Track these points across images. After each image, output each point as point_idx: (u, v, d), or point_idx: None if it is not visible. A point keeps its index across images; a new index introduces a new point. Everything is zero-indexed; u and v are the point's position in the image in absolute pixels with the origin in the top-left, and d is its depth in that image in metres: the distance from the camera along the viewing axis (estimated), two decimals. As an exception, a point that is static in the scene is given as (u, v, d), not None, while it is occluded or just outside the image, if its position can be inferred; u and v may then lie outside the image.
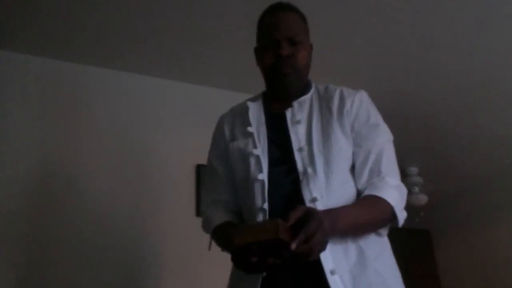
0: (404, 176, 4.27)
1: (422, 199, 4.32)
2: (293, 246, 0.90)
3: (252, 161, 1.23)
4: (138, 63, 2.79)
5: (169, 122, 2.83)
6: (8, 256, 2.22)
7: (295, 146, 1.22)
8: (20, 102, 2.53)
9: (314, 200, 1.13)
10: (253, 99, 1.39)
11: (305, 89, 1.33)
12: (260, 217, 1.16)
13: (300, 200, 1.14)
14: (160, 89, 2.90)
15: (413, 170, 4.33)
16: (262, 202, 1.17)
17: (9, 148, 2.41)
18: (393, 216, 1.16)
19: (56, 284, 2.24)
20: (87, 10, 2.36)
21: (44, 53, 2.62)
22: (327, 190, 1.16)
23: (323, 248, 0.98)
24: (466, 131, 3.70)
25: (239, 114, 1.37)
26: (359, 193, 1.21)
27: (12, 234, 2.26)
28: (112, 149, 2.62)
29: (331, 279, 1.05)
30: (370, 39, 2.71)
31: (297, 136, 1.24)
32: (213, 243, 1.31)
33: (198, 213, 2.64)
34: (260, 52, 1.32)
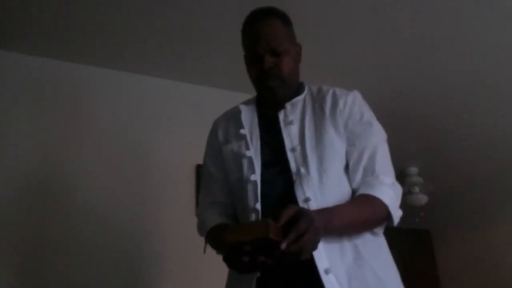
0: (404, 176, 4.27)
1: (422, 199, 4.31)
2: (283, 246, 0.90)
3: (245, 162, 1.24)
4: (138, 63, 2.79)
5: (169, 122, 2.84)
6: (8, 256, 2.22)
7: (287, 146, 1.22)
8: (20, 102, 2.53)
9: (307, 200, 1.13)
10: (246, 102, 1.40)
11: (297, 91, 1.33)
12: (253, 218, 1.16)
13: (294, 200, 1.14)
14: (160, 89, 2.90)
15: (413, 170, 4.33)
16: (254, 202, 1.18)
17: (9, 148, 2.41)
18: (388, 215, 1.16)
19: (56, 284, 2.24)
20: (87, 10, 2.36)
21: (44, 53, 2.63)
22: (320, 190, 1.16)
23: (314, 248, 0.98)
24: (466, 131, 3.70)
25: (232, 117, 1.38)
26: (353, 192, 1.21)
27: (11, 234, 2.26)
28: (112, 149, 2.62)
29: (325, 278, 1.05)
30: (370, 39, 2.71)
31: (290, 136, 1.24)
32: (209, 247, 1.31)
33: (198, 213, 2.64)
34: (246, 64, 1.32)
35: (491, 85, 3.16)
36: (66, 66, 2.70)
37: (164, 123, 2.82)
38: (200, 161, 2.75)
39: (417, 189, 4.32)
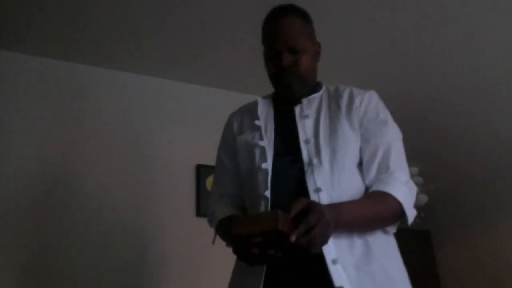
0: (404, 176, 4.26)
1: (422, 199, 4.31)
2: (293, 238, 0.90)
3: (257, 152, 1.25)
4: (138, 63, 2.79)
5: (170, 122, 2.84)
6: (10, 256, 2.22)
7: (301, 138, 1.23)
8: (21, 102, 2.53)
9: (318, 190, 1.13)
10: (264, 97, 1.42)
11: (314, 89, 1.34)
12: (262, 205, 1.16)
13: (304, 190, 1.14)
14: (161, 89, 2.91)
15: (413, 170, 4.33)
16: (264, 190, 1.18)
17: (11, 148, 2.41)
18: (402, 213, 1.15)
19: (57, 284, 2.25)
20: (88, 10, 2.36)
21: (45, 53, 2.63)
22: (331, 181, 1.15)
23: (324, 241, 0.97)
24: (466, 131, 3.70)
25: (249, 110, 1.40)
26: (367, 189, 1.20)
27: (14, 234, 2.26)
28: (113, 150, 2.63)
29: (333, 268, 1.04)
30: (369, 40, 2.71)
31: (304, 128, 1.25)
32: (218, 238, 1.31)
33: (199, 213, 2.64)
34: (264, 60, 1.33)
35: (491, 85, 3.16)
36: (66, 66, 2.70)
37: (165, 123, 2.83)
38: (200, 161, 2.75)
39: (417, 189, 4.32)
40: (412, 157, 4.41)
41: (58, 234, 2.34)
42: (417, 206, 4.26)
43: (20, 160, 2.41)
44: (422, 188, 4.36)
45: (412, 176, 4.26)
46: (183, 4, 2.36)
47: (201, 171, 2.70)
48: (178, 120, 2.86)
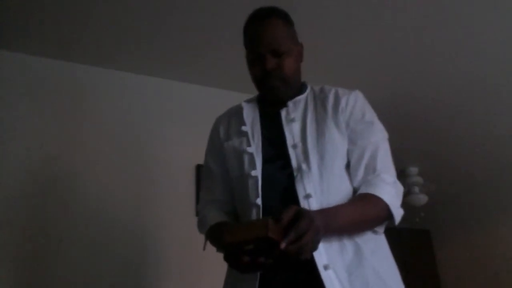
0: (404, 176, 4.27)
1: (422, 199, 4.31)
2: (283, 245, 0.90)
3: (246, 158, 1.25)
4: (138, 63, 2.79)
5: (170, 122, 2.84)
6: (10, 256, 2.22)
7: (289, 143, 1.23)
8: (21, 102, 2.53)
9: (308, 196, 1.13)
10: (248, 100, 1.41)
11: (299, 90, 1.33)
12: (253, 213, 1.16)
13: (294, 196, 1.14)
14: (160, 89, 2.91)
15: (413, 170, 4.33)
16: (255, 198, 1.17)
17: (10, 148, 2.41)
18: (389, 214, 1.16)
19: (57, 283, 2.25)
20: (88, 10, 2.36)
21: (45, 53, 2.63)
22: (321, 186, 1.16)
23: (314, 248, 0.98)
24: (466, 131, 3.70)
25: (235, 115, 1.39)
26: (354, 190, 1.20)
27: (13, 234, 2.26)
28: (113, 150, 2.62)
29: (324, 274, 1.05)
30: (369, 40, 2.71)
31: (292, 133, 1.24)
32: (209, 244, 1.31)
33: (198, 213, 2.64)
34: (247, 63, 1.32)
35: (491, 86, 3.16)
36: (66, 66, 2.70)
37: (165, 123, 2.82)
38: (200, 161, 2.74)
39: (417, 189, 4.32)
40: (412, 157, 4.43)
41: (56, 235, 2.33)
42: (417, 206, 4.24)
43: (20, 160, 2.41)
44: (422, 188, 4.36)
45: (412, 176, 4.31)
46: (183, 4, 2.36)
47: (201, 171, 2.69)
48: (178, 120, 2.86)
